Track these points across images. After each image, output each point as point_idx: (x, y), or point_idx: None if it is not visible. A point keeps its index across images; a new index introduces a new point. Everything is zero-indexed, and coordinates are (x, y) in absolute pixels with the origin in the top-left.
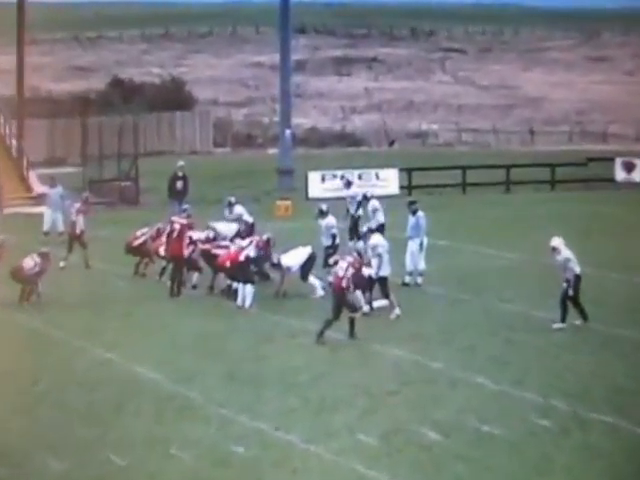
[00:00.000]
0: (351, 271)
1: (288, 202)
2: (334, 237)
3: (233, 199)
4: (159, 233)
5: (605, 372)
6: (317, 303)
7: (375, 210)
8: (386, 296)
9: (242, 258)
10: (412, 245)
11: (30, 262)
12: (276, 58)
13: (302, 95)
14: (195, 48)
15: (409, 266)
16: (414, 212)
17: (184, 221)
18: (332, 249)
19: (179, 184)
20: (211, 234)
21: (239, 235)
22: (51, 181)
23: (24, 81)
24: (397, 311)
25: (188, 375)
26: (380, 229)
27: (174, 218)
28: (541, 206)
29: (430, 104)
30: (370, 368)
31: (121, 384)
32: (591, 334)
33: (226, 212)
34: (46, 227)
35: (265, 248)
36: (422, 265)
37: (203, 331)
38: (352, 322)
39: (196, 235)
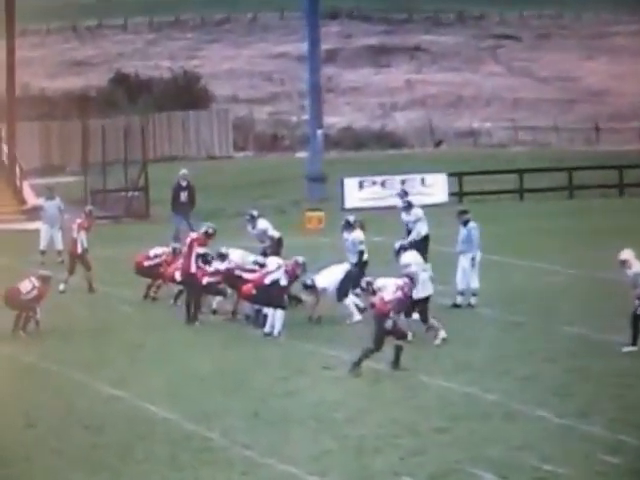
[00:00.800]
0: (399, 295)
1: (320, 213)
2: (361, 254)
3: (255, 212)
4: (175, 256)
5: None
6: (355, 329)
7: (417, 220)
8: (424, 321)
9: (268, 282)
10: (463, 261)
11: (27, 285)
12: (304, 48)
13: (334, 90)
14: (210, 37)
15: (460, 285)
16: (465, 223)
17: (195, 235)
18: (358, 268)
19: (183, 195)
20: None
21: (264, 253)
22: (48, 192)
23: (15, 79)
24: (442, 334)
25: (207, 413)
26: (423, 242)
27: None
28: (608, 214)
29: (481, 99)
30: (415, 403)
31: (130, 425)
32: None
33: (248, 227)
34: (43, 245)
35: (294, 274)
36: (475, 283)
37: (224, 363)
38: (399, 351)
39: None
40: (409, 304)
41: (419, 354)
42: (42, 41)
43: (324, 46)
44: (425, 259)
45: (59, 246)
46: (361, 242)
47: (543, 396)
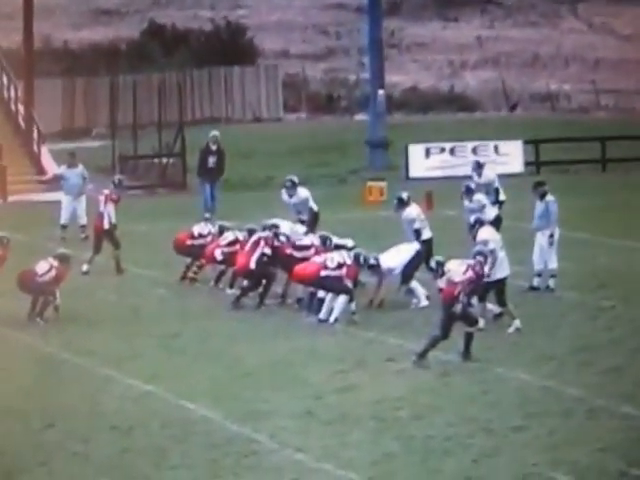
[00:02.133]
0: (470, 276)
1: (383, 183)
2: (418, 233)
3: (296, 178)
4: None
5: None
6: (422, 316)
7: (481, 207)
8: (502, 304)
9: (323, 274)
10: (541, 238)
11: (45, 266)
12: None
13: (398, 45)
14: None
15: (537, 265)
16: (542, 196)
17: (269, 236)
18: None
19: (211, 160)
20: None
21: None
22: (70, 159)
23: (33, 29)
24: (517, 323)
25: (254, 413)
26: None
27: (262, 234)
28: None
29: (560, 58)
30: (489, 398)
31: (165, 426)
32: None
33: (285, 196)
34: (64, 219)
35: (356, 276)
36: (554, 263)
37: (273, 355)
38: (469, 338)
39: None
40: (483, 286)
41: (493, 344)
42: None
43: None
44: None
45: (83, 220)
46: (413, 220)
47: (631, 391)
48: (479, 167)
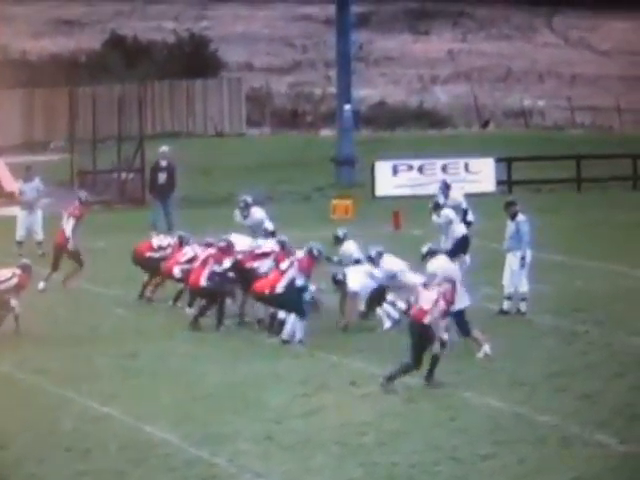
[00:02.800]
0: (442, 308)
1: (348, 201)
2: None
3: (250, 198)
4: (181, 247)
5: None
6: (388, 339)
7: (449, 222)
8: (465, 334)
9: (281, 288)
10: (512, 260)
11: (6, 273)
12: (331, 9)
13: (366, 59)
14: None
15: (508, 288)
16: (513, 216)
17: (223, 245)
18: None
19: (162, 176)
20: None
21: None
22: (27, 172)
23: None
24: (486, 349)
25: (213, 436)
26: (461, 244)
27: (212, 240)
28: None
29: (534, 73)
30: (457, 424)
31: (122, 448)
32: None
33: (238, 217)
34: (20, 235)
35: (309, 269)
36: (525, 286)
37: (234, 377)
38: (435, 361)
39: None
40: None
41: (462, 367)
42: None
43: (355, 8)
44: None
45: (39, 237)
46: (351, 256)
47: (606, 418)
48: (446, 188)
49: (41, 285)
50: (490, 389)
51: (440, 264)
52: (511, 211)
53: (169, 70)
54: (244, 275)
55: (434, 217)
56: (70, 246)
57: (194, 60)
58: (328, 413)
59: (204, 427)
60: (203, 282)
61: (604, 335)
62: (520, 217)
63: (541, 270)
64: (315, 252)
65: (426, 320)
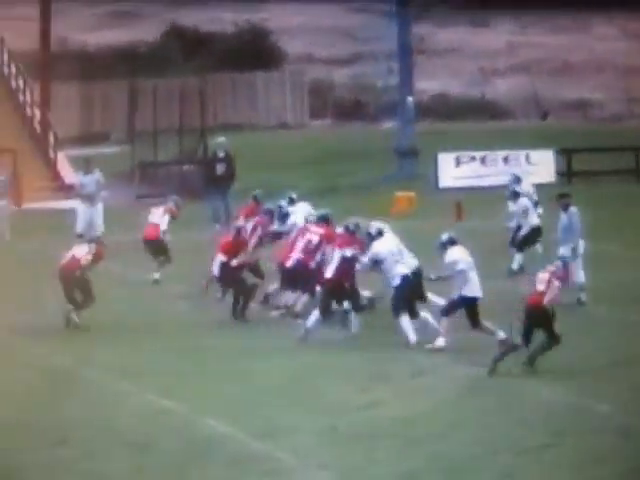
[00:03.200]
0: (556, 284)
1: (411, 194)
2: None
3: (294, 195)
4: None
5: None
6: (451, 328)
7: (525, 210)
8: (475, 326)
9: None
10: (564, 251)
11: (84, 248)
12: (391, 1)
13: (426, 51)
14: None
15: None
16: (565, 208)
17: (322, 230)
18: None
19: (220, 167)
20: None
21: None
22: (86, 165)
23: (50, 30)
24: (501, 334)
25: (275, 429)
26: (533, 234)
27: (310, 225)
28: None
29: (592, 65)
30: (516, 415)
31: (183, 443)
32: None
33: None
34: (80, 228)
35: (352, 243)
36: (581, 277)
37: (296, 370)
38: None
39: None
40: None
41: (519, 358)
42: None
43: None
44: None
45: (100, 229)
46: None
47: None
48: (517, 181)
49: (156, 275)
50: (548, 379)
51: (460, 252)
52: (563, 203)
53: (229, 62)
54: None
55: (510, 205)
56: (165, 239)
57: (254, 51)
58: (390, 405)
59: (266, 420)
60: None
61: None
62: (572, 209)
63: (598, 261)
64: (351, 227)
65: (544, 301)
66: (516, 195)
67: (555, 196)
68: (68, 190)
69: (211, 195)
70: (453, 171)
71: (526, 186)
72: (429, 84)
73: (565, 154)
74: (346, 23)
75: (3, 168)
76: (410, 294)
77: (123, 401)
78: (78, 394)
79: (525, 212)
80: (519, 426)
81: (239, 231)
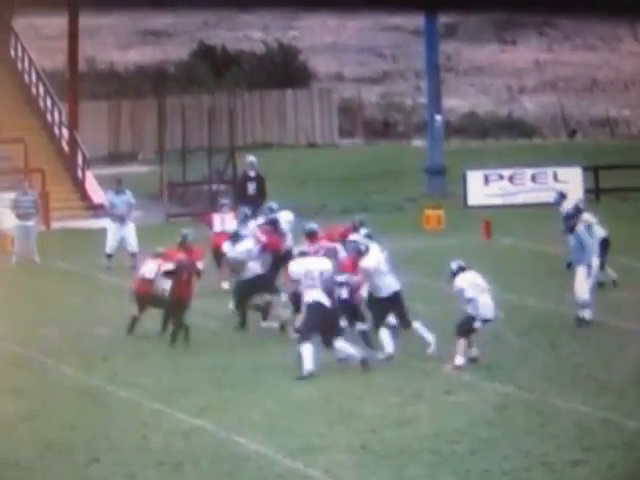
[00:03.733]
0: None
1: (440, 211)
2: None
3: (275, 205)
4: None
5: None
6: (479, 346)
7: (590, 225)
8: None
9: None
10: (581, 271)
11: (152, 265)
12: (419, 20)
13: (455, 69)
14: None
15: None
16: (572, 229)
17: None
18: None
19: (251, 187)
20: None
21: None
22: (117, 185)
23: (78, 50)
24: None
25: (307, 447)
26: (602, 246)
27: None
28: None
29: (619, 83)
30: (547, 431)
31: (215, 461)
32: None
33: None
34: (110, 248)
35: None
36: (586, 295)
37: (326, 388)
38: None
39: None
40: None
41: (550, 375)
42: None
43: (443, 19)
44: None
45: (134, 248)
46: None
47: None
48: (561, 198)
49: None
50: (579, 395)
51: (469, 278)
52: (569, 224)
53: (258, 80)
54: None
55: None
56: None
57: (283, 70)
58: (422, 422)
59: (298, 438)
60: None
61: None
62: (579, 228)
63: (627, 276)
64: (357, 224)
65: None
66: (578, 212)
67: (561, 219)
68: (96, 209)
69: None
70: (482, 189)
71: (571, 201)
72: (457, 102)
73: (593, 171)
74: (374, 42)
75: (32, 188)
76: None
77: (155, 420)
78: (110, 414)
79: (589, 227)
80: (550, 442)
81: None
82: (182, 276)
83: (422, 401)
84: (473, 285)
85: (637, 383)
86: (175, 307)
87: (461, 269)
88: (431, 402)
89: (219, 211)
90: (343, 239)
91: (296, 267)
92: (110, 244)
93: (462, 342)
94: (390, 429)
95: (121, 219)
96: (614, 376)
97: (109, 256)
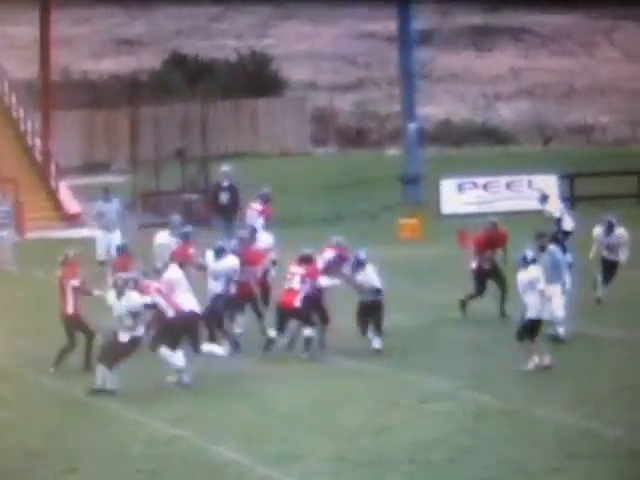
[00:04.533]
0: None
1: (415, 220)
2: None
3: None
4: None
5: None
6: (452, 357)
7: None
8: (519, 339)
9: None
10: (556, 290)
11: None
12: (394, 27)
13: (429, 76)
14: (284, 12)
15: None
16: (543, 248)
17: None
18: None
19: (224, 197)
20: None
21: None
22: (105, 193)
23: (50, 59)
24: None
25: (285, 455)
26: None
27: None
28: None
29: (595, 89)
30: (526, 439)
31: (192, 469)
32: None
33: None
34: (99, 254)
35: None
36: (561, 311)
37: (304, 396)
38: None
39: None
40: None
41: (529, 383)
42: (87, 15)
43: (418, 26)
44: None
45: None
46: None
47: None
48: (544, 199)
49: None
50: (558, 403)
51: (536, 271)
52: (541, 243)
53: (231, 89)
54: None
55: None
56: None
57: (257, 79)
58: (399, 431)
59: (275, 446)
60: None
61: None
62: (551, 248)
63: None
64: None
65: None
66: (545, 199)
67: (534, 235)
68: (71, 220)
69: (217, 224)
70: (456, 197)
71: (554, 203)
72: (432, 110)
73: (568, 179)
74: (349, 50)
75: (5, 198)
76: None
77: (133, 429)
78: (87, 423)
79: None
80: (530, 450)
81: None
82: None
83: (399, 410)
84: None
85: (617, 391)
86: None
87: (533, 260)
88: (409, 411)
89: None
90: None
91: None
92: (99, 251)
93: (527, 344)
94: (367, 438)
95: (109, 227)
96: (593, 384)
97: (102, 263)
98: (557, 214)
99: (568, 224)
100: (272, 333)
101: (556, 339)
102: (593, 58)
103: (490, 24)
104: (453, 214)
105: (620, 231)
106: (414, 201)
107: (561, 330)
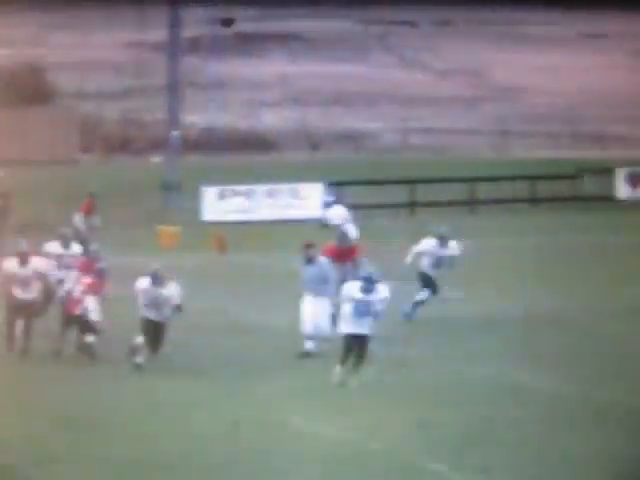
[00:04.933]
0: None
1: (175, 228)
2: None
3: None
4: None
5: None
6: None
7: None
8: None
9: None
10: (318, 303)
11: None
12: (162, 35)
13: (196, 84)
14: (56, 22)
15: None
16: (311, 259)
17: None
18: None
19: None
20: None
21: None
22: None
23: None
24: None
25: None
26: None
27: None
28: (516, 234)
29: (367, 95)
30: None
31: None
32: None
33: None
34: None
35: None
36: (327, 328)
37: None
38: None
39: None
40: None
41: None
42: None
43: (186, 33)
44: None
45: None
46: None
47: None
48: (328, 205)
49: None
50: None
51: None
52: (310, 254)
53: (2, 97)
54: None
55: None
56: None
57: (29, 87)
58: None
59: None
60: None
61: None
62: (322, 259)
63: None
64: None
65: None
66: (329, 205)
67: (303, 246)
68: None
69: None
70: (217, 205)
71: (334, 212)
72: (197, 117)
73: (335, 187)
74: (116, 58)
75: None
76: None
77: None
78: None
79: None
80: None
81: None
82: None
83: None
84: None
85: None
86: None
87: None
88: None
89: None
90: None
91: None
92: None
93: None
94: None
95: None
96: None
97: None
98: (337, 221)
99: (352, 233)
100: None
101: (307, 355)
102: (366, 64)
103: (259, 31)
104: (214, 221)
105: (453, 244)
106: (175, 208)
107: (313, 345)
